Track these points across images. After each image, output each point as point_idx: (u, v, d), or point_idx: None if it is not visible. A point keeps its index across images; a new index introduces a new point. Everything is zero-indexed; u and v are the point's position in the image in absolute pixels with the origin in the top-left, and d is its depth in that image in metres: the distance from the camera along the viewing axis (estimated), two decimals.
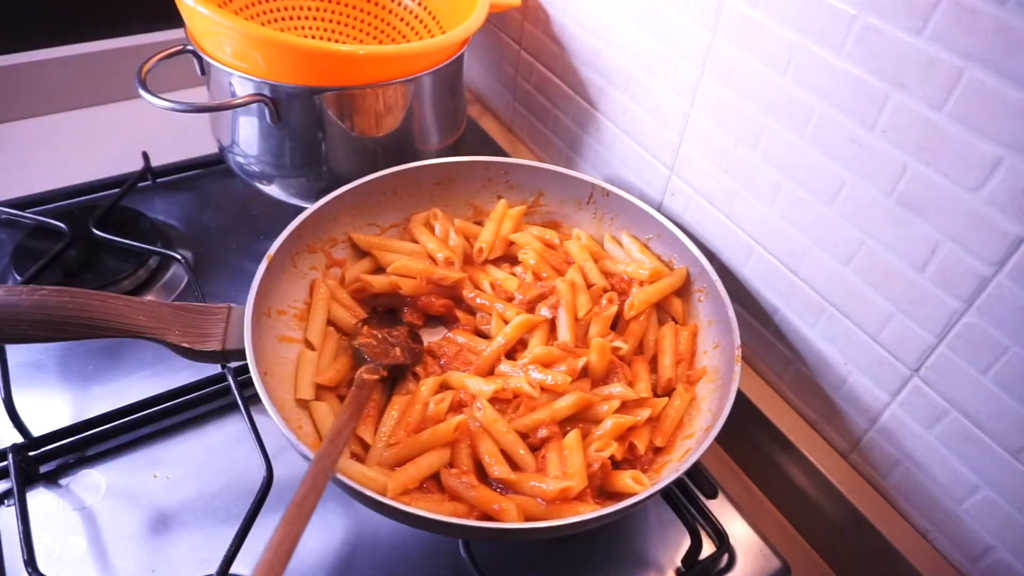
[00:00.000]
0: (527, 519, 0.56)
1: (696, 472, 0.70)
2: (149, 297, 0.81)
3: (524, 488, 0.59)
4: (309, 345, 0.68)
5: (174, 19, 0.76)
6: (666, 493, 0.67)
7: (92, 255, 0.83)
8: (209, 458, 0.68)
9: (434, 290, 0.74)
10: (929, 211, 0.53)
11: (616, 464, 0.62)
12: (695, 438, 0.63)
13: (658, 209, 0.78)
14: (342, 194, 0.74)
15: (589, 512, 0.53)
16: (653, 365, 0.71)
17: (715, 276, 0.70)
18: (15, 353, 0.72)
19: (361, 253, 0.78)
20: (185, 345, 0.60)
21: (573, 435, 0.61)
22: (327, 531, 0.64)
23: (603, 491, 0.61)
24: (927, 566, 0.60)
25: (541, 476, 0.59)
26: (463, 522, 0.52)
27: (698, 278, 0.73)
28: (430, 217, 0.80)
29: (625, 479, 0.59)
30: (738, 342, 0.64)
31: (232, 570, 0.57)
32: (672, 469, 0.59)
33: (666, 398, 0.67)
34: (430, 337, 0.74)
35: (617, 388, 0.66)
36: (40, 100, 1.04)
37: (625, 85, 0.80)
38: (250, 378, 0.57)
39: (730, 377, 0.62)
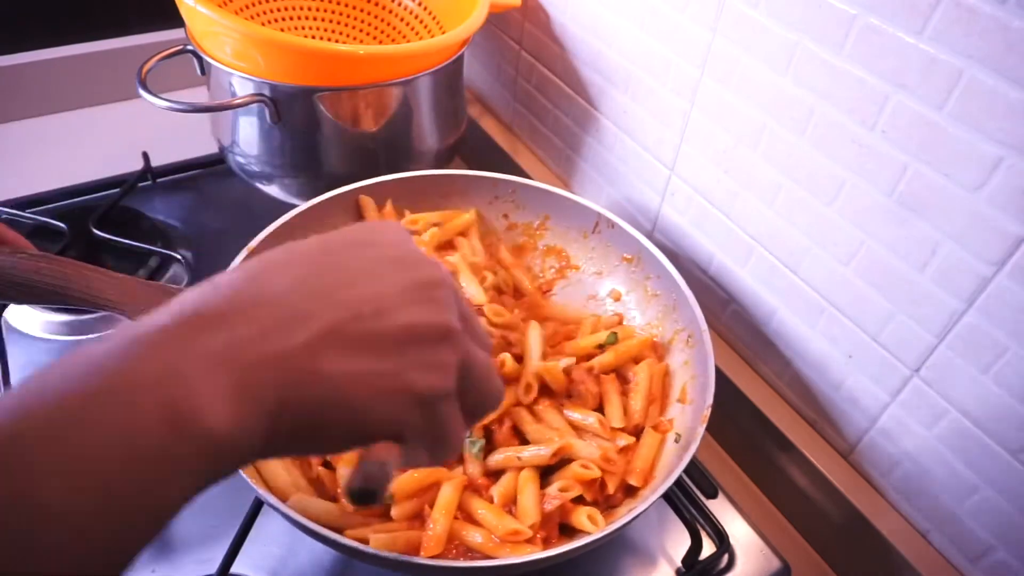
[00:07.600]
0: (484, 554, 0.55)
1: (696, 472, 0.70)
2: None
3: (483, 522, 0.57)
4: None
5: (174, 19, 0.76)
6: (666, 493, 0.66)
7: (92, 255, 0.82)
8: None
9: None
10: (929, 211, 0.53)
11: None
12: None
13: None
14: (342, 194, 0.74)
15: (531, 554, 0.51)
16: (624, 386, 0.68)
17: (704, 325, 0.65)
18: (15, 353, 0.72)
19: None
20: None
21: (526, 474, 0.59)
22: None
23: (564, 527, 0.59)
24: (927, 566, 0.60)
25: (500, 512, 0.57)
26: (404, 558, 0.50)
27: (689, 324, 0.68)
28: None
29: (581, 517, 0.57)
30: (710, 401, 0.60)
31: (232, 570, 0.57)
32: (631, 509, 0.56)
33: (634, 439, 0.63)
34: None
35: (590, 418, 0.63)
36: (40, 100, 1.04)
37: (625, 85, 0.80)
38: None
39: (693, 436, 0.59)
